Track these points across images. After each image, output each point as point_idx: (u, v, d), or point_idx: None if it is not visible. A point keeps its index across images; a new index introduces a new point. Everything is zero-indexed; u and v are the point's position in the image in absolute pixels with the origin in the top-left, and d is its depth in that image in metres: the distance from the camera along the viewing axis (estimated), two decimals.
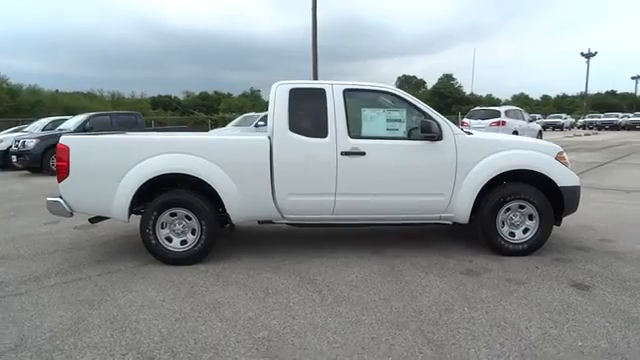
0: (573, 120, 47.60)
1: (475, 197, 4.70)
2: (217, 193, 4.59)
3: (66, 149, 4.58)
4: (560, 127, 43.85)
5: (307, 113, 4.76)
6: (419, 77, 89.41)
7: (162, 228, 4.67)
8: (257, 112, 20.46)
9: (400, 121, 4.80)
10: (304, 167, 4.66)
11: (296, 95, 4.74)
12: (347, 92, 4.77)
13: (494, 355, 2.87)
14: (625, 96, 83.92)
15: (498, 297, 3.77)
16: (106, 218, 5.12)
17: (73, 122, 14.31)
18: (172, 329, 3.29)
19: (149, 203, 4.65)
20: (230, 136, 5.14)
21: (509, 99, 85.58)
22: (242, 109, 53.30)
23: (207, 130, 22.70)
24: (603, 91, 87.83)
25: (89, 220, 5.12)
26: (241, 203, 4.63)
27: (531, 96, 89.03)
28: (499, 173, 4.69)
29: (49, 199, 4.77)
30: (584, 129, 42.62)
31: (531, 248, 4.79)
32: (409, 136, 4.78)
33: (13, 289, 4.14)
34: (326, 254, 4.97)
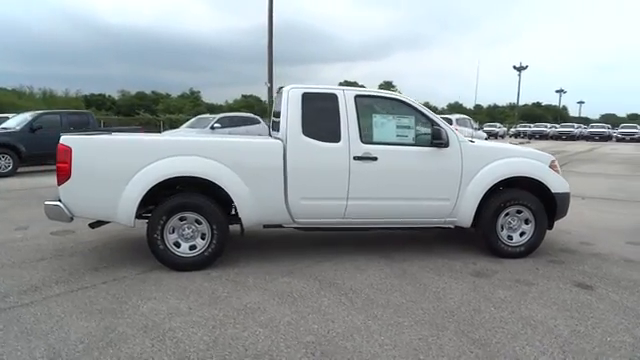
0: (506, 129, 50.42)
1: (479, 202, 4.92)
2: (229, 196, 4.51)
3: (68, 150, 4.33)
4: (495, 135, 46.29)
5: (320, 118, 4.78)
6: (360, 83, 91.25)
7: (170, 233, 4.51)
8: (212, 114, 20.08)
9: (409, 128, 4.94)
10: (317, 171, 4.68)
11: (308, 99, 4.76)
12: (358, 98, 4.85)
13: (539, 352, 3.04)
14: (549, 108, 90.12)
15: (516, 297, 3.97)
16: (106, 223, 4.89)
17: (16, 121, 13.38)
18: (214, 337, 3.21)
19: (157, 207, 4.48)
20: (243, 139, 5.05)
21: (445, 107, 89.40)
22: (182, 110, 51.97)
23: (159, 131, 22.00)
24: (530, 102, 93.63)
25: (90, 225, 4.86)
26: (253, 207, 4.58)
27: (465, 105, 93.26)
28: (501, 180, 4.93)
29: (47, 203, 4.48)
30: (516, 138, 45.25)
31: (527, 251, 5.08)
32: (417, 142, 4.92)
33: (15, 299, 3.86)
34: (332, 258, 5.00)
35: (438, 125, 4.87)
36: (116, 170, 4.39)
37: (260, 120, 19.57)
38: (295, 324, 3.41)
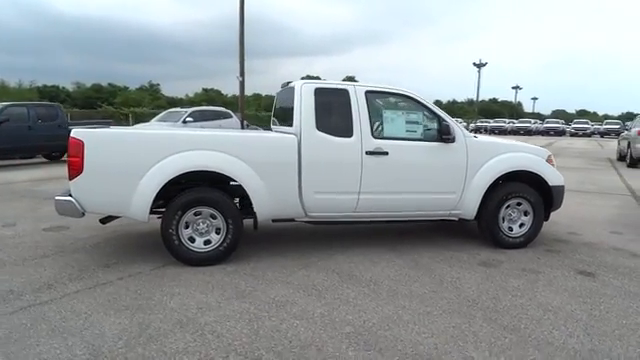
0: (466, 124, 51.82)
1: (482, 195, 5.11)
2: (242, 191, 4.52)
3: (80, 143, 4.22)
4: None
5: (332, 113, 4.85)
6: (322, 77, 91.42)
7: (185, 228, 4.48)
8: (182, 107, 19.69)
9: (417, 123, 5.08)
10: (331, 166, 4.74)
11: (321, 95, 4.81)
12: (368, 93, 4.93)
13: (566, 335, 3.23)
14: (505, 104, 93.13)
15: (528, 285, 4.18)
16: (116, 218, 4.80)
17: None
18: (254, 330, 3.23)
19: (171, 202, 4.43)
20: (257, 133, 5.03)
21: None
22: (140, 103, 50.55)
23: (128, 125, 21.43)
24: (487, 98, 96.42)
25: (100, 221, 4.76)
26: (268, 201, 4.60)
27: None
28: (504, 173, 5.14)
29: (58, 198, 4.35)
30: (476, 133, 46.53)
31: (526, 241, 5.32)
32: (425, 138, 5.06)
33: (32, 298, 3.74)
34: (343, 251, 5.09)
35: (445, 121, 5.02)
36: (131, 164, 4.31)
37: (232, 114, 19.40)
38: (329, 316, 3.48)
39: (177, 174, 4.33)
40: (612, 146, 25.24)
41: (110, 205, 4.43)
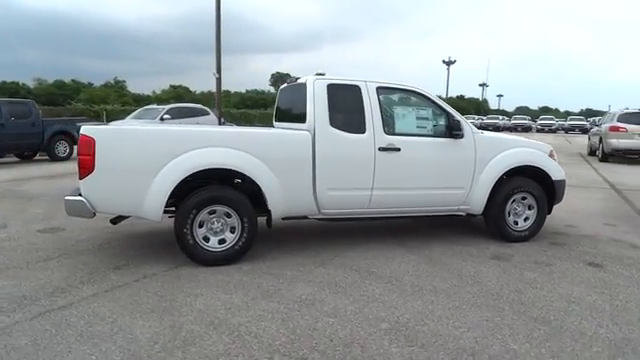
0: None
1: (490, 190, 5.19)
2: (255, 188, 4.45)
3: (91, 141, 4.06)
4: None
5: (345, 109, 4.82)
6: (292, 74, 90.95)
7: (199, 227, 4.38)
8: (159, 105, 19.25)
9: (427, 119, 5.11)
10: (344, 162, 4.72)
11: (333, 91, 4.78)
12: (379, 89, 4.93)
13: (597, 325, 3.31)
14: (472, 100, 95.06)
15: (545, 278, 4.27)
16: (126, 217, 4.66)
17: None
18: (290, 329, 3.18)
19: (185, 201, 4.32)
20: (272, 130, 4.95)
21: None
22: (106, 100, 49.19)
23: (103, 122, 20.80)
24: (454, 95, 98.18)
25: (111, 221, 4.60)
26: (282, 199, 4.55)
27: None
28: (510, 168, 5.23)
29: (68, 198, 4.18)
30: None
31: (531, 235, 5.44)
32: (435, 134, 5.10)
33: (47, 302, 3.59)
34: (354, 247, 5.07)
35: (454, 117, 5.06)
36: (144, 162, 4.18)
37: (209, 111, 19.12)
38: (361, 313, 3.46)
39: (192, 172, 4.23)
40: (579, 141, 26.09)
41: (122, 205, 4.29)
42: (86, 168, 4.08)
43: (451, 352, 2.91)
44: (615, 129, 14.91)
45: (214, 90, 25.30)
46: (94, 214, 4.21)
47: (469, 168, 5.13)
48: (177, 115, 17.18)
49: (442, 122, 5.10)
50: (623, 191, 9.49)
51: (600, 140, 15.85)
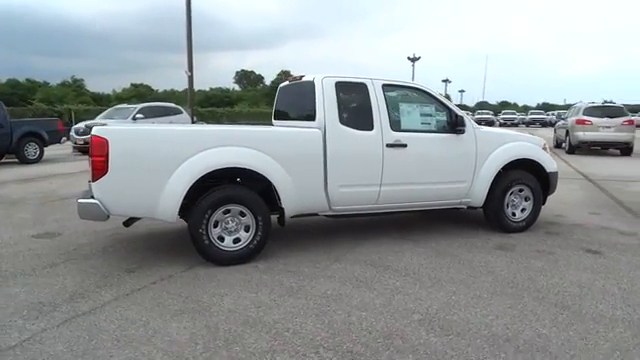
0: None
1: (490, 183, 5.37)
2: (274, 187, 4.46)
3: (104, 142, 3.98)
4: None
5: (353, 106, 4.89)
6: (257, 72, 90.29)
7: (214, 227, 4.36)
8: (129, 104, 18.78)
9: (431, 115, 5.24)
10: (354, 159, 4.79)
11: (341, 88, 4.83)
12: (385, 87, 5.02)
13: (612, 308, 3.50)
14: None
15: (551, 265, 4.46)
16: (138, 219, 4.59)
17: None
18: (326, 324, 3.23)
19: (200, 200, 4.29)
20: (283, 128, 4.94)
21: None
22: (63, 100, 47.52)
23: (70, 123, 20.16)
24: None
25: (124, 223, 4.52)
26: (295, 196, 4.57)
27: None
28: (508, 162, 5.43)
29: (81, 201, 4.08)
30: None
31: (527, 225, 5.66)
32: (439, 129, 5.23)
33: (69, 308, 3.51)
34: (361, 242, 5.16)
35: (456, 112, 5.21)
36: (158, 162, 4.13)
37: (182, 110, 18.85)
38: (390, 305, 3.54)
39: (208, 171, 4.20)
40: (541, 134, 26.93)
41: (136, 206, 4.22)
42: (99, 170, 3.99)
43: (487, 339, 3.02)
44: (581, 122, 15.56)
45: (177, 88, 24.89)
46: (108, 217, 4.12)
47: (471, 162, 5.29)
48: (150, 114, 16.86)
49: (445, 118, 5.24)
50: (596, 181, 9.94)
51: (567, 133, 16.50)
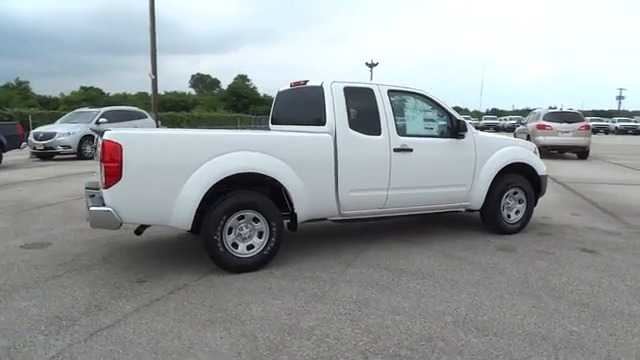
0: None
1: (489, 186, 5.53)
2: (287, 192, 4.43)
3: (118, 147, 3.83)
4: None
5: (361, 111, 4.92)
6: (213, 76, 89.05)
7: (228, 233, 4.27)
8: (92, 108, 18.08)
9: (433, 120, 5.35)
10: (364, 164, 4.82)
11: (349, 94, 4.86)
12: (390, 92, 5.09)
13: (626, 304, 3.69)
14: None
15: (556, 265, 4.63)
16: (147, 227, 4.44)
17: None
18: (364, 329, 3.23)
19: (214, 206, 4.20)
20: (295, 133, 4.88)
21: None
22: (7, 104, 45.15)
23: (28, 128, 19.18)
24: None
25: (136, 232, 4.36)
26: (307, 202, 4.56)
27: None
28: (505, 165, 5.61)
29: (94, 209, 3.90)
30: None
31: (521, 227, 5.86)
32: (441, 134, 5.35)
33: (90, 322, 3.35)
34: (366, 246, 5.19)
35: (457, 117, 5.34)
36: (173, 168, 4.02)
37: (147, 114, 18.38)
38: (419, 308, 3.58)
39: (223, 177, 4.12)
40: None
41: (150, 214, 4.08)
42: (112, 176, 3.83)
43: (524, 338, 3.11)
44: (542, 127, 16.28)
45: (130, 92, 24.16)
46: (120, 225, 3.96)
47: (471, 166, 5.43)
48: (114, 118, 16.35)
49: (446, 123, 5.36)
50: (565, 184, 10.41)
51: (528, 137, 17.17)
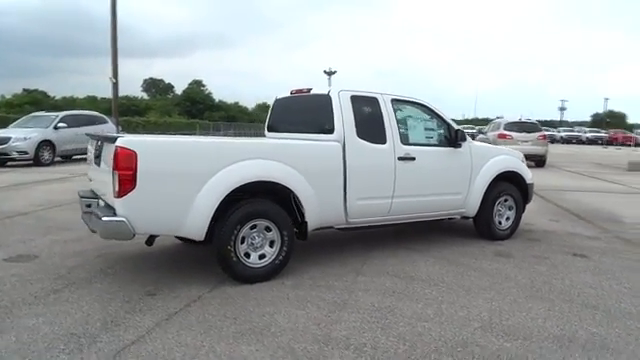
0: None
1: (483, 194, 5.70)
2: (298, 200, 4.41)
3: (132, 154, 3.68)
4: None
5: (367, 120, 4.95)
6: (167, 80, 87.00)
7: (241, 243, 4.19)
8: (48, 112, 17.25)
9: (433, 130, 5.46)
10: (371, 172, 4.86)
11: (356, 102, 4.90)
12: (393, 101, 5.16)
13: (631, 305, 3.89)
14: None
15: (554, 270, 4.82)
16: (156, 237, 4.28)
17: None
18: (398, 336, 3.24)
19: (227, 215, 4.11)
20: (306, 141, 4.83)
21: (254, 107, 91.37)
22: None
23: None
24: None
25: (146, 242, 4.19)
26: (317, 210, 4.54)
27: None
28: (498, 174, 5.80)
29: (106, 219, 3.72)
30: None
31: (511, 233, 6.07)
32: (439, 143, 5.47)
33: (112, 338, 3.19)
34: (367, 254, 5.22)
35: (455, 128, 5.48)
36: (187, 176, 3.91)
37: (107, 119, 17.78)
38: (443, 315, 3.63)
39: (238, 185, 4.05)
40: None
41: (164, 224, 3.94)
42: (127, 185, 3.68)
43: (553, 341, 3.22)
44: (503, 136, 16.93)
45: (78, 96, 23.32)
46: (133, 235, 3.80)
47: (467, 174, 5.58)
48: (73, 123, 15.74)
49: (445, 132, 5.49)
50: (535, 191, 10.82)
51: None
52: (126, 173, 3.67)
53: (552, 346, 3.15)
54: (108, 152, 3.96)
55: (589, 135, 50.27)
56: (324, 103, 4.89)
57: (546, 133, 19.02)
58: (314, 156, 4.58)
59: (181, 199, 3.88)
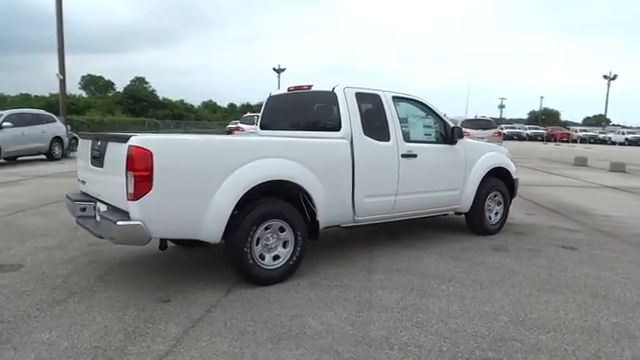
0: None
1: (476, 189, 5.83)
2: (312, 200, 4.33)
3: (148, 154, 3.47)
4: None
5: (371, 117, 4.93)
6: (107, 77, 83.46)
7: (256, 244, 4.07)
8: None
9: (430, 127, 5.52)
10: (377, 169, 4.85)
11: (360, 99, 4.86)
12: (394, 99, 5.17)
13: (635, 294, 4.08)
14: None
15: (553, 262, 4.99)
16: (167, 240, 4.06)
17: None
18: (435, 333, 3.25)
19: (244, 217, 3.97)
20: (316, 139, 4.70)
21: (200, 105, 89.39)
22: None
23: None
24: None
25: (160, 247, 3.96)
26: (327, 209, 4.48)
27: (219, 104, 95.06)
28: (489, 170, 5.95)
29: (121, 223, 3.48)
30: None
31: (500, 227, 6.25)
32: (437, 140, 5.54)
33: (142, 350, 3.01)
34: (371, 251, 5.22)
35: (451, 125, 5.57)
36: (206, 176, 3.75)
37: (56, 118, 16.84)
38: (469, 311, 3.67)
39: (255, 184, 3.92)
40: None
41: (180, 227, 3.75)
42: (143, 186, 3.46)
43: (580, 332, 3.33)
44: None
45: (9, 94, 21.97)
46: (149, 240, 3.59)
47: (462, 170, 5.69)
48: (20, 122, 14.82)
49: (442, 129, 5.56)
50: None
51: None
52: (142, 174, 3.45)
53: (583, 337, 3.25)
54: (116, 152, 3.71)
55: (529, 132, 52.79)
56: (329, 100, 4.83)
57: (501, 130, 19.74)
58: (325, 154, 4.50)
59: (198, 200, 3.70)
